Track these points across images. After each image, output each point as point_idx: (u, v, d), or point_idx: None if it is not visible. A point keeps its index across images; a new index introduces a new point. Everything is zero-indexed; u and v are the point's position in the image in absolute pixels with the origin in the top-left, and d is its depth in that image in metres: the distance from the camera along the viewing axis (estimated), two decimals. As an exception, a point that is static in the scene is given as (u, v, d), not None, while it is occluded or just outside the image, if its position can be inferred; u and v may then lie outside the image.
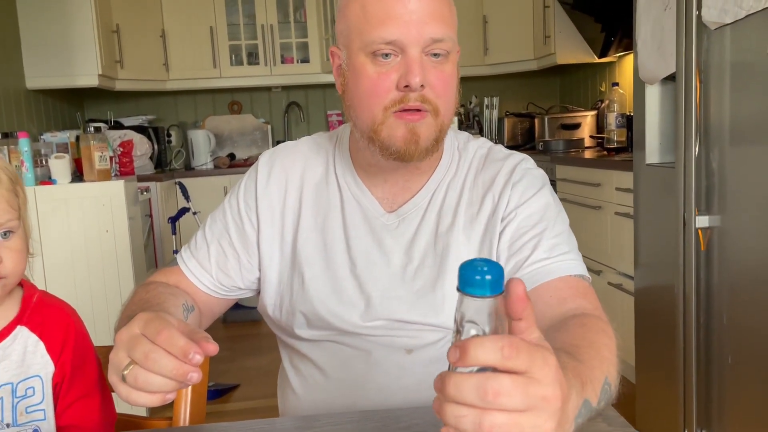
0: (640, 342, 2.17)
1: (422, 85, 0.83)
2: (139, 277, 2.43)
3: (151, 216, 3.15)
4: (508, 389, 0.43)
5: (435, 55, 0.84)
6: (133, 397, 0.61)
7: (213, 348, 0.62)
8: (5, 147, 2.26)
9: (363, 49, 0.84)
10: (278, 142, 4.32)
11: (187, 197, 3.31)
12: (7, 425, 0.84)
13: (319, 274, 0.93)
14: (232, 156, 4.07)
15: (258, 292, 1.02)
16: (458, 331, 0.49)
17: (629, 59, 3.34)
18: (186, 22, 3.88)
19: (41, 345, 0.86)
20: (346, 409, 0.88)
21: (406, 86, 0.82)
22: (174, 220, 3.17)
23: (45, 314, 0.88)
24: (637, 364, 2.20)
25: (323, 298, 0.92)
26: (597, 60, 3.54)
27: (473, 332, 0.48)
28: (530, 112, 4.08)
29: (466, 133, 1.01)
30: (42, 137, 2.94)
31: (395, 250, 0.93)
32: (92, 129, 2.38)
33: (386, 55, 0.83)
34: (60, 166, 2.31)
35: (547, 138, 3.67)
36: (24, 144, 2.21)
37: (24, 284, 0.90)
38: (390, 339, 0.91)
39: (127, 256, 2.34)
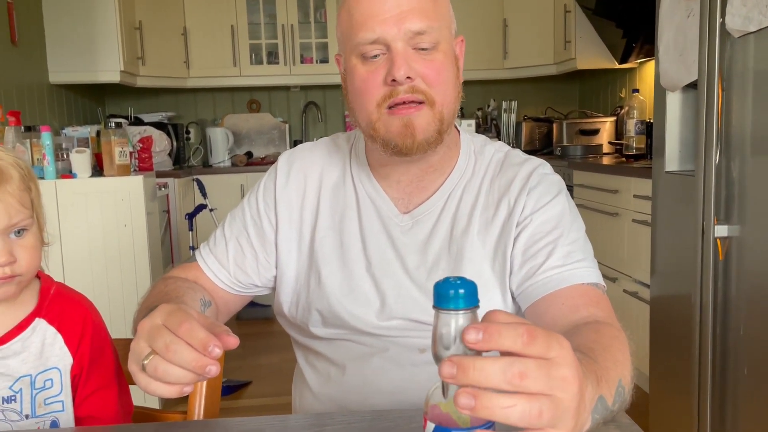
0: (655, 351, 2.16)
1: (409, 77, 0.85)
2: (156, 272, 2.45)
3: (168, 212, 3.17)
4: (534, 372, 0.44)
5: (422, 48, 0.86)
6: (152, 387, 0.62)
7: (233, 341, 0.63)
8: (28, 140, 2.29)
9: (353, 51, 0.87)
10: (296, 142, 4.35)
11: (204, 194, 3.34)
12: (26, 416, 0.85)
13: (335, 272, 0.94)
14: (249, 154, 4.10)
15: (273, 289, 1.03)
16: (436, 355, 0.49)
17: (650, 66, 3.32)
18: (207, 21, 3.91)
19: (59, 337, 0.87)
20: (359, 407, 0.89)
21: (393, 80, 0.84)
22: (191, 216, 3.19)
23: (62, 307, 0.89)
24: (651, 373, 2.18)
25: (339, 296, 0.93)
26: (617, 66, 3.51)
27: (451, 350, 0.48)
28: (548, 116, 4.06)
29: (482, 136, 1.01)
30: (63, 131, 2.97)
31: (409, 250, 0.93)
32: (113, 124, 2.41)
33: (375, 56, 0.86)
34: (81, 160, 2.34)
35: (565, 143, 3.65)
36: (46, 138, 2.24)
37: (41, 276, 0.91)
38: (404, 339, 0.91)
39: (144, 250, 2.37)
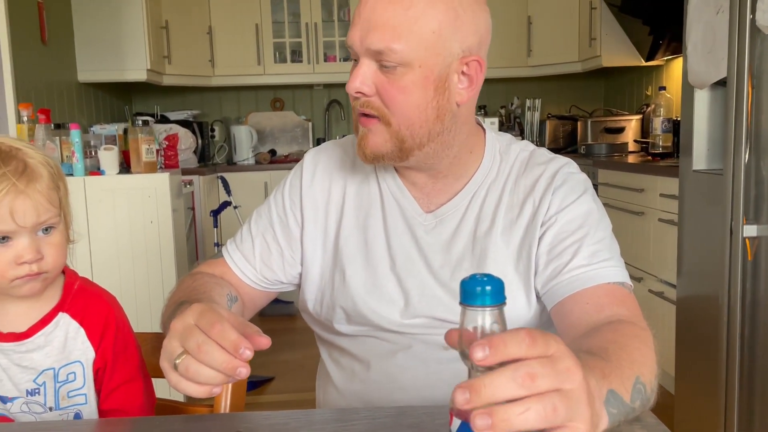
0: (681, 352, 2.13)
1: (361, 92, 0.85)
2: (181, 268, 2.48)
3: (193, 209, 3.21)
4: (541, 370, 0.45)
5: (385, 66, 0.83)
6: (182, 385, 0.63)
7: (264, 342, 0.65)
8: (57, 138, 2.34)
9: None
10: (319, 140, 4.36)
11: (228, 191, 3.37)
12: (50, 409, 0.86)
13: (359, 270, 0.95)
14: (273, 152, 4.12)
15: (299, 286, 1.04)
16: (462, 352, 0.50)
17: (677, 63, 3.27)
18: (232, 20, 3.95)
19: (82, 331, 0.88)
20: (383, 403, 0.89)
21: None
22: (216, 213, 3.23)
23: (86, 302, 0.90)
24: (676, 374, 2.15)
25: (363, 294, 0.94)
26: (644, 63, 3.47)
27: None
28: (573, 114, 4.02)
29: (508, 135, 1.00)
30: (91, 129, 3.02)
31: (433, 250, 0.93)
32: (140, 122, 2.45)
33: (356, 60, 0.86)
34: (109, 157, 2.38)
35: (589, 141, 3.62)
36: (75, 135, 2.29)
37: (66, 271, 0.92)
38: (428, 336, 0.92)
39: (170, 246, 2.40)
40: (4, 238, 0.80)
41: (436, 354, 0.91)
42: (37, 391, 0.86)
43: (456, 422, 0.50)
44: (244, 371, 0.61)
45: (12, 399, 0.85)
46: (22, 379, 0.86)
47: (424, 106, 0.85)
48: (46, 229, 0.84)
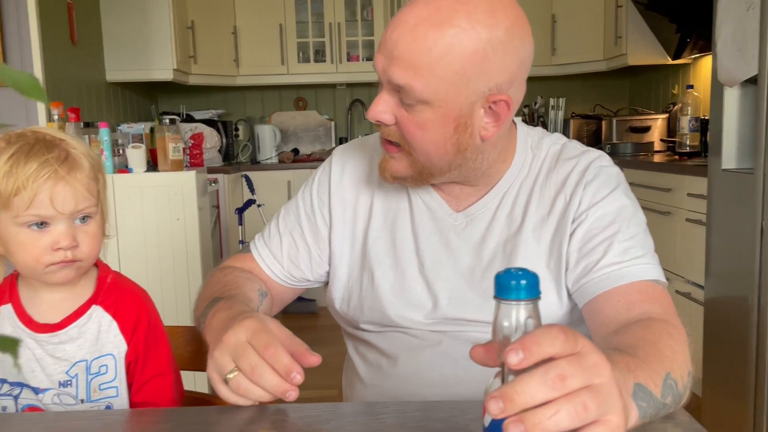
0: (709, 354, 2.09)
1: (381, 122, 0.83)
2: (207, 265, 2.51)
3: (218, 207, 3.24)
4: (570, 369, 0.45)
5: (405, 102, 0.81)
6: (231, 398, 0.67)
7: (315, 360, 0.68)
8: (87, 136, 2.38)
9: None
10: (341, 139, 4.37)
11: (252, 190, 3.40)
12: (81, 401, 0.88)
13: (387, 272, 0.94)
14: (296, 151, 4.15)
15: (326, 284, 1.04)
16: (498, 346, 0.50)
17: (705, 61, 3.22)
18: (257, 20, 3.98)
19: (114, 325, 0.89)
20: (412, 398, 0.89)
21: None
22: (241, 211, 3.26)
23: (118, 295, 0.92)
24: (704, 377, 2.12)
25: (391, 297, 0.93)
26: (670, 62, 3.42)
27: (512, 341, 0.48)
28: (597, 114, 3.98)
29: (540, 130, 0.99)
30: (119, 128, 3.07)
31: (463, 251, 0.92)
32: (167, 120, 2.48)
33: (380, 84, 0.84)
34: (137, 155, 2.41)
35: (614, 141, 3.58)
36: (104, 134, 2.32)
37: (99, 265, 0.94)
38: (458, 333, 0.91)
39: (196, 244, 2.43)
40: (42, 223, 0.82)
41: (466, 350, 0.90)
42: (69, 382, 0.87)
43: (488, 417, 0.50)
44: (293, 395, 0.66)
45: (44, 390, 0.87)
46: (55, 371, 0.87)
47: (443, 142, 0.83)
48: (83, 218, 0.85)
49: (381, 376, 0.96)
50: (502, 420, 0.47)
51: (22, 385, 0.87)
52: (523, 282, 0.48)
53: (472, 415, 0.68)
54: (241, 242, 3.32)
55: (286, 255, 1.01)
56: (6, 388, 0.87)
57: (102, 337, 0.89)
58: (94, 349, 0.88)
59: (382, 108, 0.83)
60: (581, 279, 0.87)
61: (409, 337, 0.94)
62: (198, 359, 1.04)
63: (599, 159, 0.93)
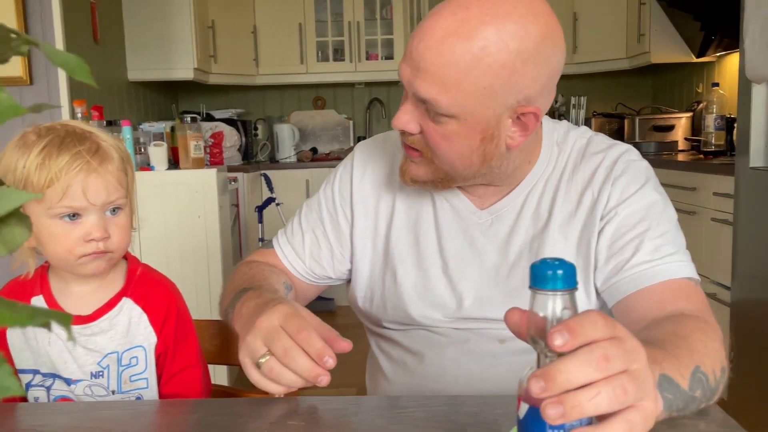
0: (735, 356, 2.06)
1: (406, 131, 0.82)
2: (227, 262, 2.52)
3: (237, 205, 3.26)
4: (613, 351, 0.45)
5: (430, 113, 0.79)
6: (262, 383, 0.67)
7: (345, 345, 0.68)
8: (109, 134, 2.40)
9: None
10: (359, 138, 4.37)
11: (271, 189, 3.41)
12: (113, 392, 0.88)
13: (410, 272, 0.93)
14: (314, 150, 4.16)
15: (348, 281, 1.03)
16: (532, 337, 0.49)
17: (731, 59, 3.17)
18: (276, 19, 3.99)
19: (144, 317, 0.90)
20: (436, 395, 0.89)
21: None
22: (261, 208, 3.27)
23: (148, 287, 0.92)
24: (730, 380, 2.08)
25: (414, 297, 0.92)
26: (695, 59, 3.37)
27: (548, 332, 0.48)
28: (620, 112, 3.94)
29: (565, 123, 0.97)
30: (140, 126, 3.10)
31: (488, 250, 0.91)
32: (188, 119, 2.49)
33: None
34: (158, 153, 2.43)
35: (637, 140, 3.54)
36: (126, 132, 2.34)
37: (128, 258, 0.95)
38: (483, 331, 0.90)
39: (216, 241, 2.44)
40: (74, 215, 0.82)
41: (491, 347, 0.90)
42: (101, 373, 0.88)
43: (524, 407, 0.49)
44: (325, 379, 0.65)
45: (76, 381, 0.88)
46: (87, 362, 0.88)
47: (469, 153, 0.81)
48: (114, 210, 0.86)
49: (406, 373, 0.96)
50: (538, 410, 0.46)
51: (54, 376, 0.88)
52: (560, 272, 0.48)
53: (501, 409, 0.68)
54: (261, 240, 3.34)
55: (308, 252, 1.00)
56: (39, 378, 0.88)
57: (132, 329, 0.89)
58: (125, 341, 0.89)
59: (408, 118, 0.81)
60: (611, 278, 0.85)
61: (434, 335, 0.93)
62: (223, 353, 1.04)
63: (627, 153, 0.91)
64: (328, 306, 3.62)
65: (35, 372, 0.88)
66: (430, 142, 0.81)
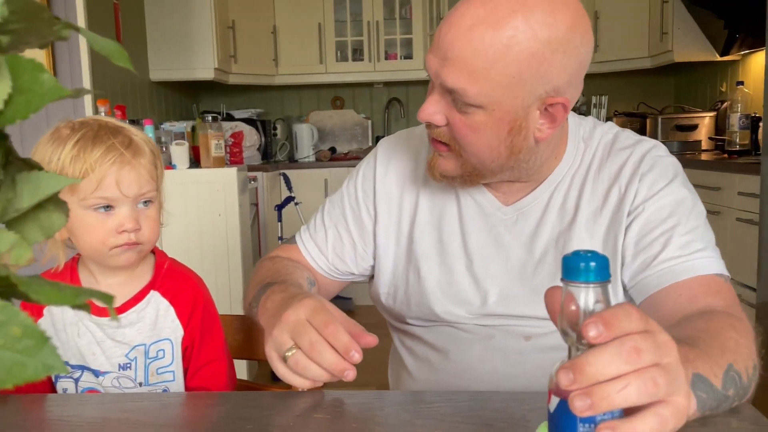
0: (761, 359, 2.02)
1: (432, 123, 0.81)
2: (246, 259, 2.54)
3: (257, 204, 3.27)
4: (644, 343, 0.45)
5: (456, 104, 0.79)
6: (288, 376, 0.67)
7: (371, 340, 0.68)
8: (132, 133, 2.43)
9: None
10: (377, 138, 4.37)
11: (290, 188, 3.42)
12: (140, 384, 0.89)
13: (434, 269, 0.93)
14: (333, 150, 4.16)
15: (371, 277, 1.03)
16: (563, 330, 0.48)
17: (756, 57, 3.12)
18: (296, 19, 4.01)
19: (172, 310, 0.91)
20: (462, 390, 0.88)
21: None
22: (280, 207, 3.28)
23: (175, 281, 0.93)
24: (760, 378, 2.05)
25: (438, 294, 0.92)
26: (718, 58, 3.33)
27: (580, 325, 0.47)
28: (642, 112, 3.90)
29: (591, 119, 0.96)
30: (162, 126, 3.13)
31: (514, 246, 0.90)
32: (210, 118, 2.51)
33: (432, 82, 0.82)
34: (180, 152, 2.45)
35: (660, 139, 3.49)
36: (149, 131, 2.37)
37: (156, 251, 0.96)
38: (508, 327, 0.90)
39: (237, 239, 2.46)
40: (107, 206, 0.84)
41: (517, 345, 0.89)
42: (128, 366, 0.89)
43: (554, 400, 0.49)
44: (351, 374, 0.65)
45: (104, 373, 0.89)
46: (115, 354, 0.89)
47: (496, 145, 0.81)
48: (145, 203, 0.88)
49: (430, 369, 0.95)
50: (568, 403, 0.46)
51: (83, 368, 0.89)
52: (593, 264, 0.47)
53: (529, 405, 0.67)
54: (280, 239, 3.35)
55: (331, 248, 1.00)
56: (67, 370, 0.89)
57: (160, 322, 0.90)
58: (152, 334, 0.90)
59: (434, 109, 0.81)
60: (639, 274, 0.84)
61: (458, 332, 0.93)
62: (245, 348, 1.05)
63: (655, 149, 0.90)
64: (346, 305, 3.62)
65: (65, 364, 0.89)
66: (457, 134, 0.81)
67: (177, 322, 0.91)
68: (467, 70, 0.75)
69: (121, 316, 0.90)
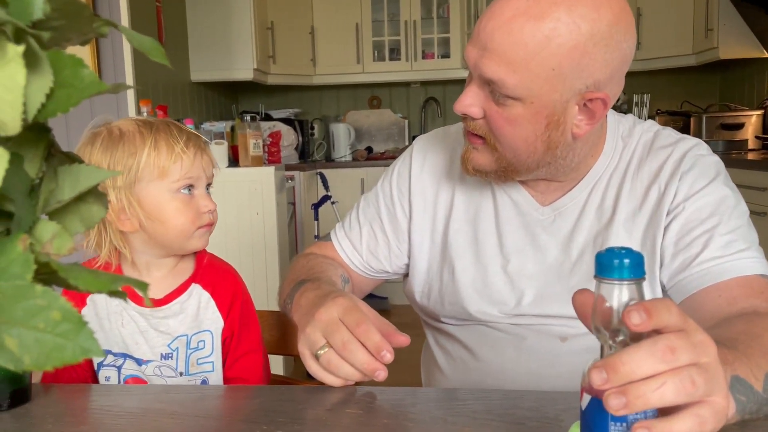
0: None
1: (468, 115, 0.81)
2: (283, 257, 2.57)
3: (294, 203, 3.31)
4: (680, 342, 0.44)
5: (495, 95, 0.78)
6: (320, 374, 0.68)
7: (403, 340, 0.68)
8: (174, 132, 2.48)
9: None
10: (414, 137, 4.37)
11: (326, 187, 3.45)
12: (180, 374, 0.92)
13: (469, 267, 0.92)
14: (369, 149, 4.18)
15: (406, 275, 1.03)
16: (596, 328, 0.47)
17: (806, 53, 3.02)
18: (334, 19, 4.04)
19: (212, 302, 0.94)
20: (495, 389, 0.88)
21: None
22: (317, 206, 3.31)
23: (215, 274, 0.96)
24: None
25: (472, 293, 0.91)
26: (766, 55, 3.22)
27: (614, 323, 0.46)
28: (685, 110, 3.80)
29: (631, 117, 0.94)
30: (202, 126, 3.19)
31: (551, 246, 0.89)
32: (248, 119, 2.55)
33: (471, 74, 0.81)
34: (220, 151, 2.50)
35: (704, 138, 3.40)
36: (190, 130, 2.42)
37: None
38: (543, 328, 0.89)
39: (274, 237, 2.49)
40: (190, 187, 0.91)
41: (552, 345, 0.88)
42: (170, 355, 0.92)
43: (586, 398, 0.48)
44: (383, 374, 0.66)
45: (147, 362, 0.92)
46: (158, 343, 0.92)
47: (533, 139, 0.80)
48: (208, 187, 0.95)
49: (462, 368, 0.95)
50: (600, 401, 0.45)
51: (125, 356, 0.92)
52: (627, 261, 0.46)
53: (562, 405, 0.66)
54: (317, 237, 3.38)
55: (366, 246, 1.01)
56: (110, 359, 0.93)
57: (201, 314, 0.94)
58: (194, 325, 0.93)
59: (471, 101, 0.80)
60: (678, 275, 0.82)
61: (492, 331, 0.92)
62: (281, 343, 1.07)
63: (696, 147, 0.88)
64: (382, 305, 3.63)
65: (107, 352, 0.92)
66: (494, 127, 0.80)
67: (218, 313, 0.94)
68: (507, 60, 0.75)
69: (165, 306, 0.93)
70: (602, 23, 0.74)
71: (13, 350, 0.25)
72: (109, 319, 0.92)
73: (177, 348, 0.92)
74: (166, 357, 0.92)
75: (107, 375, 0.93)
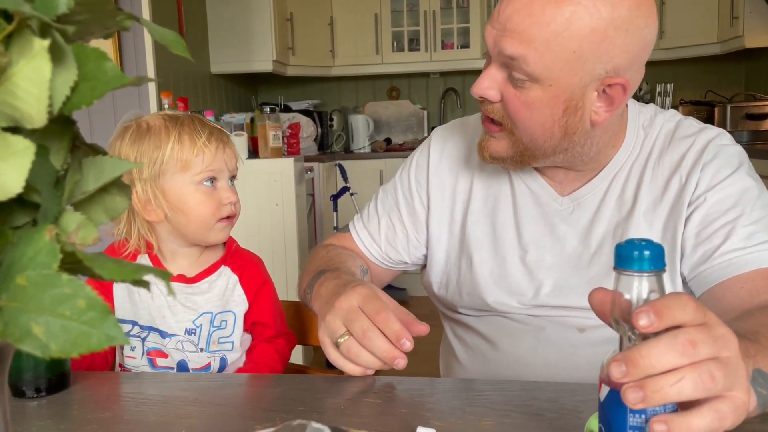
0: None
1: (485, 98, 0.80)
2: (303, 248, 2.58)
3: (313, 194, 3.32)
4: (700, 336, 0.43)
5: (516, 77, 0.77)
6: (340, 362, 0.68)
7: (423, 329, 0.68)
8: (194, 124, 2.51)
9: None
10: (433, 128, 4.35)
11: (345, 178, 3.45)
12: (201, 350, 0.96)
13: (487, 258, 0.92)
14: (388, 141, 4.18)
15: (423, 266, 1.04)
16: (615, 320, 0.47)
17: (836, 41, 2.94)
18: (353, 10, 4.03)
19: (239, 285, 0.98)
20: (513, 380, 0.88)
21: None
22: (336, 197, 3.32)
23: (243, 260, 1.01)
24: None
25: (491, 284, 0.91)
26: (794, 43, 3.16)
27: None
28: (709, 100, 3.74)
29: (653, 107, 0.93)
30: (222, 118, 3.21)
31: (569, 237, 0.89)
32: (268, 110, 2.57)
33: (490, 59, 0.81)
34: (240, 143, 2.51)
35: (729, 129, 3.35)
36: (210, 122, 2.44)
37: None
38: (561, 319, 0.88)
39: (293, 228, 2.50)
40: (212, 179, 0.93)
41: (570, 336, 0.88)
42: (194, 331, 0.95)
43: (605, 390, 0.48)
44: (402, 362, 0.66)
45: (171, 336, 0.96)
46: (184, 318, 0.96)
47: (550, 124, 0.79)
48: (231, 180, 0.97)
49: (481, 359, 0.95)
50: (619, 393, 0.45)
51: (151, 328, 0.96)
52: (647, 252, 0.46)
53: (581, 396, 0.66)
54: (336, 228, 3.39)
55: (384, 237, 1.01)
56: (136, 330, 0.97)
57: (227, 294, 0.97)
58: (220, 304, 0.97)
59: (488, 84, 0.80)
60: (699, 266, 0.81)
61: (510, 322, 0.92)
62: (301, 334, 1.08)
63: (719, 137, 0.86)
64: (400, 296, 3.64)
65: (134, 323, 0.97)
66: (511, 111, 0.80)
67: (243, 296, 0.98)
68: (527, 38, 0.74)
69: (195, 284, 0.97)
70: (623, 8, 0.73)
71: (40, 337, 0.26)
72: (139, 292, 0.96)
73: (201, 325, 0.96)
74: (189, 332, 0.95)
75: (133, 345, 0.97)
